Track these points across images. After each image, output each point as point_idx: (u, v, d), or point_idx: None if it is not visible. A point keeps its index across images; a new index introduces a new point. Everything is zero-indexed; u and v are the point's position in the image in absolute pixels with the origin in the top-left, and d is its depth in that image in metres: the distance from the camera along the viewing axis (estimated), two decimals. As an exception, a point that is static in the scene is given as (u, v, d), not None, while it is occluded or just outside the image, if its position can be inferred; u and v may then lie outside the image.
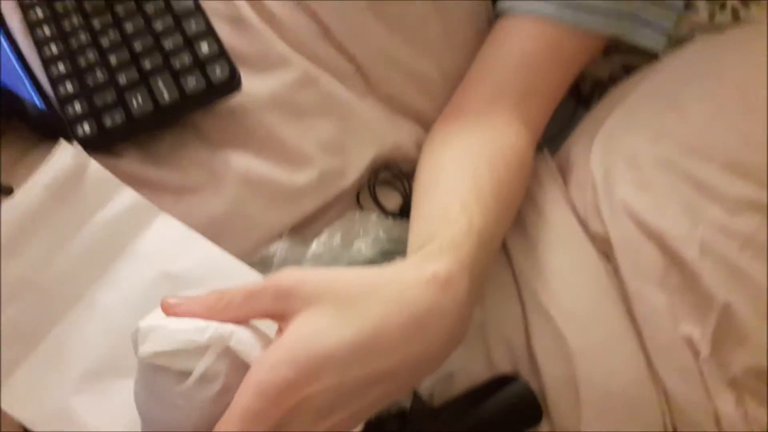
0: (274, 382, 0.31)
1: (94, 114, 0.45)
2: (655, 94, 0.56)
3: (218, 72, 0.47)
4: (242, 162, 0.49)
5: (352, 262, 0.49)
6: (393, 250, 0.50)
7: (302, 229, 0.51)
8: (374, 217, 0.52)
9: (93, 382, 0.39)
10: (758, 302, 0.42)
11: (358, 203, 0.54)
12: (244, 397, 0.31)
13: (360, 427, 0.36)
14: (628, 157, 0.52)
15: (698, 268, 0.44)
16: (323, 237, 0.49)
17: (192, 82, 0.46)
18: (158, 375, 0.33)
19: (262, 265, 0.48)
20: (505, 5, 0.57)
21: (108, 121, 0.45)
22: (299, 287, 0.35)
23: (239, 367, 0.33)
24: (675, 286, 0.45)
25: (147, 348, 0.33)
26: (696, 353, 0.43)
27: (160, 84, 0.46)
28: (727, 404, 0.42)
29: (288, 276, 0.36)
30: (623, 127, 0.54)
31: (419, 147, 0.56)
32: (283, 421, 0.31)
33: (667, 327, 0.44)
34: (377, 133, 0.55)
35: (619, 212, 0.49)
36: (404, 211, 0.54)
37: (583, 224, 0.51)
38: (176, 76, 0.47)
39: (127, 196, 0.43)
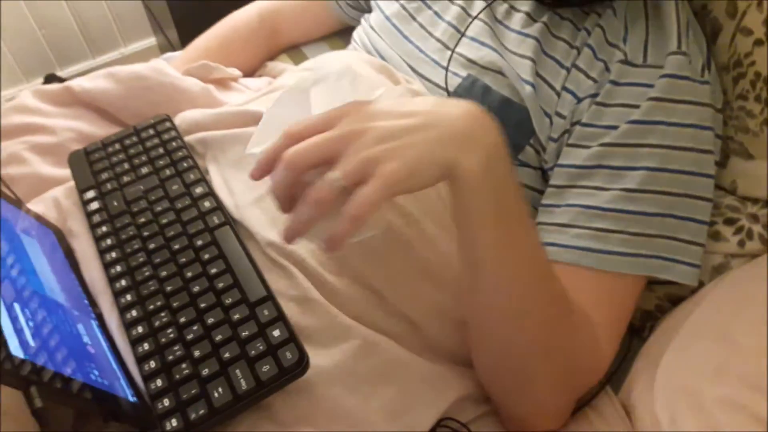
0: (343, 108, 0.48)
1: (180, 408, 0.49)
2: (705, 327, 0.57)
3: (288, 356, 0.51)
4: None
5: None
6: None
7: None
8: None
9: None
10: None
11: None
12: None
13: None
14: (690, 399, 0.52)
15: None
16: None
17: (266, 369, 0.50)
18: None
19: None
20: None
21: (192, 414, 0.49)
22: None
23: None
24: None
25: None
26: None
27: (238, 373, 0.51)
28: None
29: None
30: (680, 366, 0.55)
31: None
32: (351, 138, 0.45)
33: None
34: (438, 390, 0.57)
35: None
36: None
37: None
38: (251, 364, 0.51)
39: None
